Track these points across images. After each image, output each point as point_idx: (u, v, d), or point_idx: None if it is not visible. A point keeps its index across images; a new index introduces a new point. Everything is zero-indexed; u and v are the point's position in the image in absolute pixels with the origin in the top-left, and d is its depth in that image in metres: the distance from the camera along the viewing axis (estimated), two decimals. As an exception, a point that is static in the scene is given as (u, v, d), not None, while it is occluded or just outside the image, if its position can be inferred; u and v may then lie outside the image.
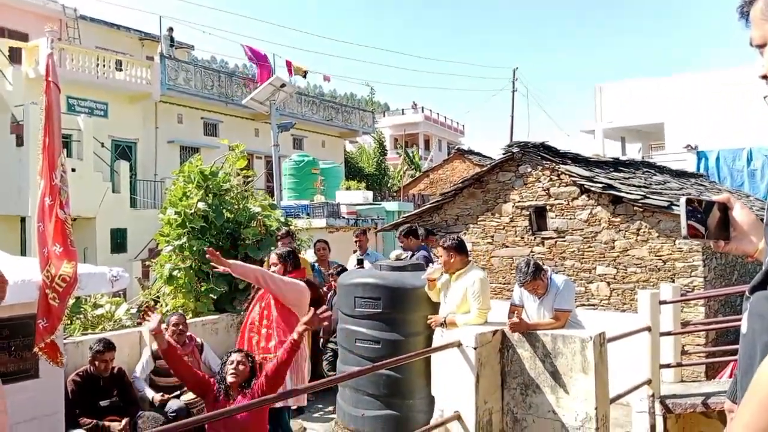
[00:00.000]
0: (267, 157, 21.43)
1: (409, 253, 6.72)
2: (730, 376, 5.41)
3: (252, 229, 6.70)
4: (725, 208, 1.31)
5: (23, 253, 14.55)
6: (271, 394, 3.57)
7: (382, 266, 5.36)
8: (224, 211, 6.62)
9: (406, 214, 11.47)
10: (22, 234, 16.18)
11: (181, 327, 5.34)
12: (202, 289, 6.36)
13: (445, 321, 4.57)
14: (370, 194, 17.71)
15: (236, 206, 6.89)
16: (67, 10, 20.18)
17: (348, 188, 17.98)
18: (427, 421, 4.44)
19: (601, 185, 8.33)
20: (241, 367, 3.73)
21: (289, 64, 21.73)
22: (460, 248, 4.66)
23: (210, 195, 6.63)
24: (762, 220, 1.49)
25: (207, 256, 4.17)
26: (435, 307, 4.83)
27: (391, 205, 16.81)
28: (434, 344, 4.59)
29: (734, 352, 5.52)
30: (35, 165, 4.44)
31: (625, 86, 23.09)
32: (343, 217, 14.35)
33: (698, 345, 6.66)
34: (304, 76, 23.13)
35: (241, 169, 7.35)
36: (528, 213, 9.17)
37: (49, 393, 4.44)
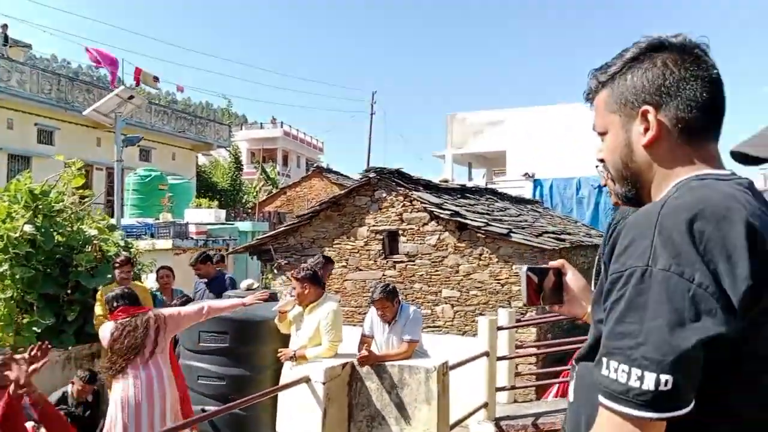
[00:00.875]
0: (109, 169, 19.92)
1: (204, 281, 6.53)
2: (556, 396, 5.92)
3: (86, 254, 6.16)
4: (560, 273, 1.41)
5: None
6: None
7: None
8: (55, 234, 6.02)
9: (261, 236, 11.24)
10: None
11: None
12: (25, 321, 5.71)
13: (294, 354, 4.51)
14: (222, 213, 17.09)
15: (69, 228, 6.30)
16: None
17: (199, 206, 17.24)
18: (273, 460, 4.34)
19: (449, 212, 8.79)
20: None
21: (138, 71, 20.47)
22: (314, 279, 4.64)
23: (39, 216, 6.00)
24: (592, 284, 1.63)
25: None
26: (285, 340, 4.75)
27: (244, 225, 16.31)
28: (282, 378, 4.51)
29: (558, 374, 6.07)
30: None
31: (473, 116, 24.69)
32: (192, 238, 13.62)
33: (530, 364, 7.22)
34: (155, 85, 21.92)
35: (78, 188, 6.75)
36: (382, 237, 9.42)
37: None
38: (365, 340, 4.85)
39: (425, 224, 9.14)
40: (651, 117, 1.03)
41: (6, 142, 18.66)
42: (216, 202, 21.01)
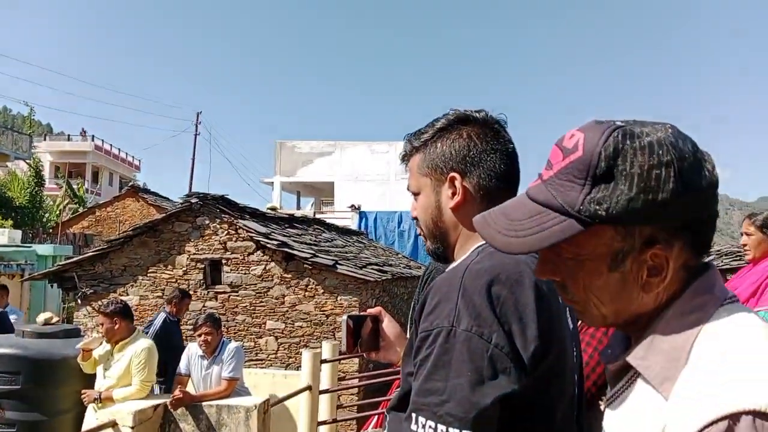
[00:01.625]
0: None
1: None
2: (375, 426, 6.07)
3: None
4: (377, 320, 1.46)
5: None
6: None
7: (25, 332, 4.60)
8: None
9: (63, 261, 10.15)
10: None
11: None
12: None
13: (100, 396, 4.11)
14: (18, 234, 15.11)
15: None
16: None
17: (-11, 224, 15.11)
18: None
19: (276, 242, 8.70)
20: None
21: None
22: (125, 313, 4.30)
23: None
24: (407, 332, 1.71)
25: None
26: (90, 380, 4.32)
27: (44, 249, 14.54)
28: (85, 424, 4.09)
29: (378, 404, 6.24)
30: None
31: (303, 144, 24.90)
32: (-22, 262, 11.89)
33: (352, 395, 7.33)
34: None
35: None
36: (203, 266, 9.01)
37: None
38: (180, 380, 4.60)
39: (251, 254, 8.94)
40: (458, 183, 1.15)
41: None
42: (10, 221, 18.55)
